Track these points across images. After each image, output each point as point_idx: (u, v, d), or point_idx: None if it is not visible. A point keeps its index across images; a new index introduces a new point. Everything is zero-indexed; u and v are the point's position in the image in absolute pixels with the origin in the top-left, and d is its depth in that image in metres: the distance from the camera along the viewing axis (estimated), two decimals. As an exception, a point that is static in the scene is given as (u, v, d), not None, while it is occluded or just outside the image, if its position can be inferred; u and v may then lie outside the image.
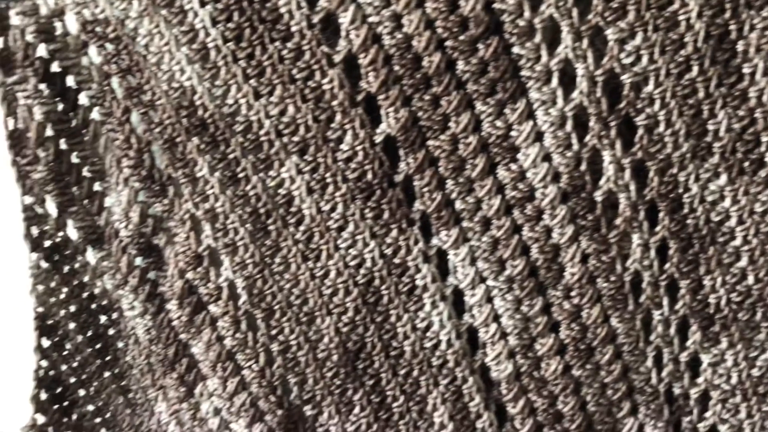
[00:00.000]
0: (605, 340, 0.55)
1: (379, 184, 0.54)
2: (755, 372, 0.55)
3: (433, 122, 0.52)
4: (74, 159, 0.59)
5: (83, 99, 0.58)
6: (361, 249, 0.55)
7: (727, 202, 0.52)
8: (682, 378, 0.56)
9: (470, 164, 0.52)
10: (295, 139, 0.53)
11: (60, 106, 0.58)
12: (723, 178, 0.51)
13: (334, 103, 0.52)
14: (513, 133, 0.51)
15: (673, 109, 0.50)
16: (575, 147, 0.51)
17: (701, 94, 0.49)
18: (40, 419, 0.66)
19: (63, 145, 0.59)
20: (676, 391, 0.57)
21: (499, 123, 0.51)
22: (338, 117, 0.52)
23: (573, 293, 0.54)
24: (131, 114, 0.56)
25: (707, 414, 0.57)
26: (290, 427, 0.60)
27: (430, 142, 0.52)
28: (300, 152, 0.53)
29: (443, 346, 0.56)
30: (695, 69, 0.49)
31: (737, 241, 0.52)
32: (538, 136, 0.51)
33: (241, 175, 0.55)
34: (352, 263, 0.56)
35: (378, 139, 0.53)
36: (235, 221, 0.56)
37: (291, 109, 0.52)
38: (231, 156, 0.54)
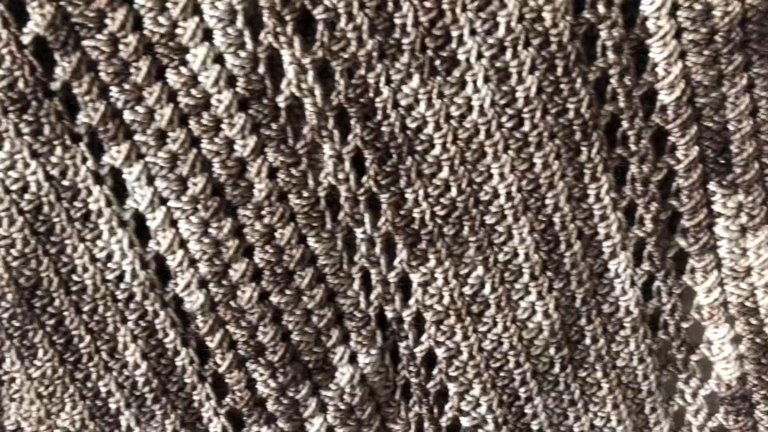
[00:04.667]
0: (303, 262, 0.50)
1: (34, 93, 0.46)
2: (467, 290, 0.52)
3: (86, 19, 0.44)
4: None
5: None
6: (23, 171, 0.48)
7: (422, 107, 0.47)
8: (393, 300, 0.52)
9: (134, 68, 0.45)
10: (-72, 42, 0.44)
11: None
12: (415, 80, 0.46)
13: (-33, -3, 0.44)
14: (178, 31, 0.45)
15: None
16: (249, 46, 0.45)
17: (379, -18, 0.44)
18: None
19: None
20: (389, 315, 0.52)
21: (162, 19, 0.44)
22: (-26, 14, 0.44)
23: (264, 212, 0.48)
24: None
25: (423, 338, 0.53)
26: (-31, 378, 0.53)
27: (85, 43, 0.45)
28: (-65, 57, 0.45)
29: (128, 277, 0.50)
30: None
31: (436, 150, 0.48)
32: (207, 34, 0.45)
33: None
34: (15, 187, 0.48)
35: (26, 39, 0.45)
36: None
37: None
38: None
